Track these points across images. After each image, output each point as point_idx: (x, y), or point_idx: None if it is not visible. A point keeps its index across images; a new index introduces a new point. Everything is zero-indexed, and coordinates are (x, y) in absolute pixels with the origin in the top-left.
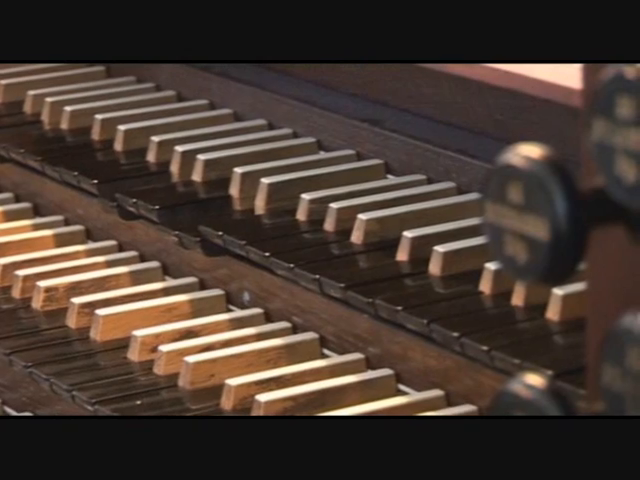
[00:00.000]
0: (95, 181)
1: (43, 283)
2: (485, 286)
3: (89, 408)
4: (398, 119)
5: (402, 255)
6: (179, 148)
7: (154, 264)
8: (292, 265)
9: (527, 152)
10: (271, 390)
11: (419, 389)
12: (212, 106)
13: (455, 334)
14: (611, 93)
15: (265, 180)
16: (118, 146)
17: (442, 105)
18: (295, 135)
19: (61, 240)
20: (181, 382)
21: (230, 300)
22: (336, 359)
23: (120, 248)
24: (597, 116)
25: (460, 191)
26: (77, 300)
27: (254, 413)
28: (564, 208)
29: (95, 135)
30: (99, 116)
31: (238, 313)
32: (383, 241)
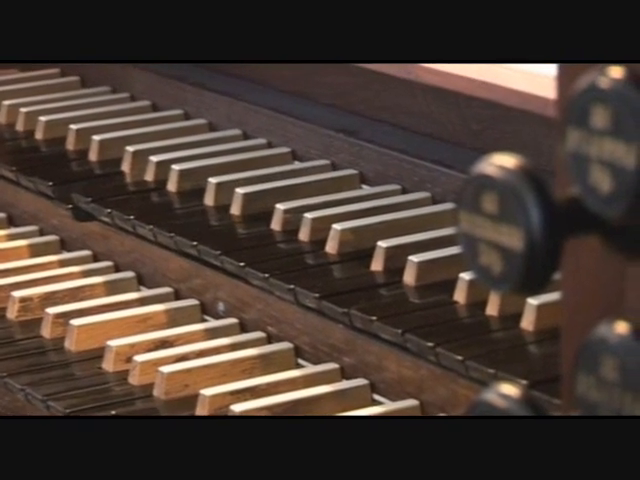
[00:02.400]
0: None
1: (18, 293)
2: (460, 296)
3: None
4: (373, 129)
5: (377, 265)
6: (154, 158)
7: (129, 274)
8: (267, 275)
9: (502, 162)
10: (246, 400)
11: (394, 399)
12: (187, 116)
13: (430, 344)
14: (585, 103)
15: (240, 190)
16: (93, 156)
17: (417, 116)
18: (270, 145)
19: (36, 250)
20: (156, 392)
21: (205, 310)
22: (311, 369)
23: (95, 258)
24: (572, 126)
25: (435, 201)
26: (52, 310)
27: None
28: (539, 218)
29: (70, 145)
30: (74, 126)
31: (213, 323)
32: (358, 251)
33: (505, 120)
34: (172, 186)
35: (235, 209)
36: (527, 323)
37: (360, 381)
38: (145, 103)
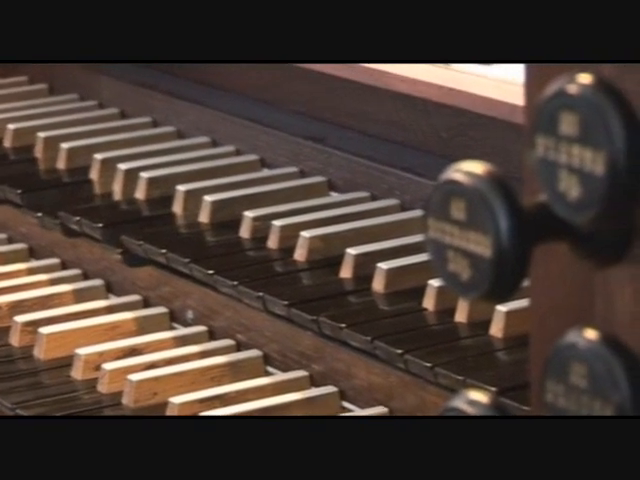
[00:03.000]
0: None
1: None
2: (429, 303)
3: None
4: (341, 137)
5: (346, 272)
6: (122, 166)
7: (97, 282)
8: (236, 283)
9: (470, 169)
10: (215, 408)
11: (363, 406)
12: (155, 124)
13: (399, 351)
14: (554, 109)
15: (208, 198)
16: (61, 164)
17: (386, 123)
18: (238, 152)
19: (4, 258)
20: (125, 400)
21: (174, 318)
22: (280, 376)
23: (63, 266)
24: (540, 132)
25: (404, 208)
26: (20, 318)
27: None
28: (507, 224)
29: (38, 153)
30: (42, 134)
31: (182, 331)
32: (327, 258)
33: (473, 127)
34: (140, 194)
35: (204, 217)
36: (496, 330)
37: (329, 388)
38: (113, 111)
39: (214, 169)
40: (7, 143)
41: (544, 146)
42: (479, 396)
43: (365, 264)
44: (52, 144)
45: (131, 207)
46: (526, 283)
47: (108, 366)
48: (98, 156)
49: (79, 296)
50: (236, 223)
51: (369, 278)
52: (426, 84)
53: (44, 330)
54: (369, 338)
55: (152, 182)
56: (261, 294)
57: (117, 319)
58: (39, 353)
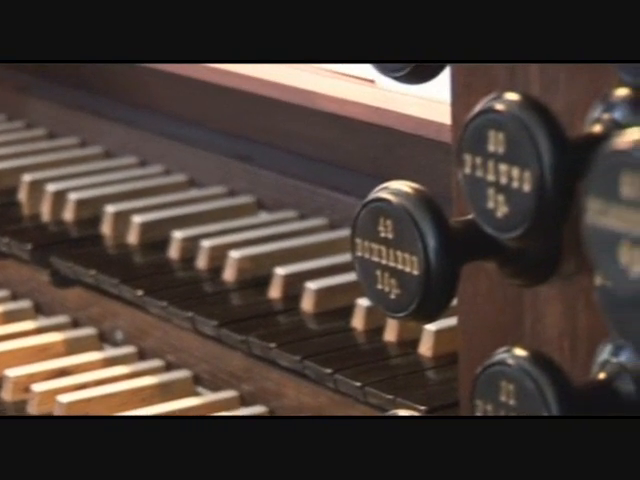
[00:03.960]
0: None
1: None
2: (358, 322)
3: None
4: (270, 156)
5: (275, 292)
6: (50, 187)
7: (26, 303)
8: (165, 303)
9: (397, 188)
10: None
11: None
12: (83, 144)
13: (328, 370)
14: (480, 128)
15: (137, 218)
16: None
17: (315, 142)
18: (166, 172)
19: None
20: None
21: (103, 338)
22: (210, 397)
23: None
24: (467, 151)
25: (333, 227)
26: None
27: None
28: (435, 243)
29: None
30: None
31: (111, 351)
32: (256, 278)
33: (401, 146)
34: (69, 215)
35: (133, 237)
36: (425, 349)
37: (259, 408)
38: (41, 131)
39: (142, 189)
40: None
41: (472, 164)
42: (409, 415)
43: (294, 284)
44: None
45: (60, 228)
46: (455, 301)
47: (38, 387)
48: (26, 177)
49: (8, 317)
50: (165, 243)
51: (298, 298)
52: (354, 103)
53: None
54: (298, 358)
55: (81, 203)
56: (191, 314)
57: (46, 340)
58: None
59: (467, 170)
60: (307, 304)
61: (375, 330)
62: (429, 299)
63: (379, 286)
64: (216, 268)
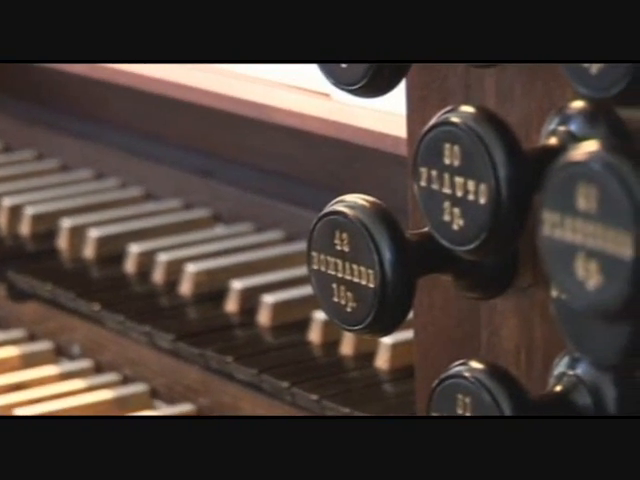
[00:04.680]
0: None
1: None
2: (314, 335)
3: None
4: (227, 169)
5: (231, 306)
6: (7, 201)
7: None
8: (122, 317)
9: (353, 201)
10: None
11: None
12: (39, 157)
13: (285, 384)
14: (436, 141)
15: (93, 232)
16: None
17: (272, 155)
18: (123, 186)
19: None
20: None
21: (60, 352)
22: (166, 410)
23: None
24: (423, 164)
25: (289, 240)
26: None
27: None
28: (391, 256)
29: None
30: None
31: (68, 365)
32: (212, 292)
33: (358, 160)
34: (25, 229)
35: (89, 251)
36: (382, 362)
37: None
38: None
39: (99, 203)
40: None
41: (427, 177)
42: None
43: (250, 297)
44: None
45: (16, 242)
46: (411, 315)
47: None
48: None
49: None
50: (121, 257)
51: (255, 311)
52: (311, 118)
53: None
54: (255, 371)
55: (37, 217)
56: (147, 328)
57: (2, 355)
58: None
59: (423, 183)
60: (263, 318)
61: (332, 343)
62: (385, 312)
63: (335, 299)
64: (172, 282)
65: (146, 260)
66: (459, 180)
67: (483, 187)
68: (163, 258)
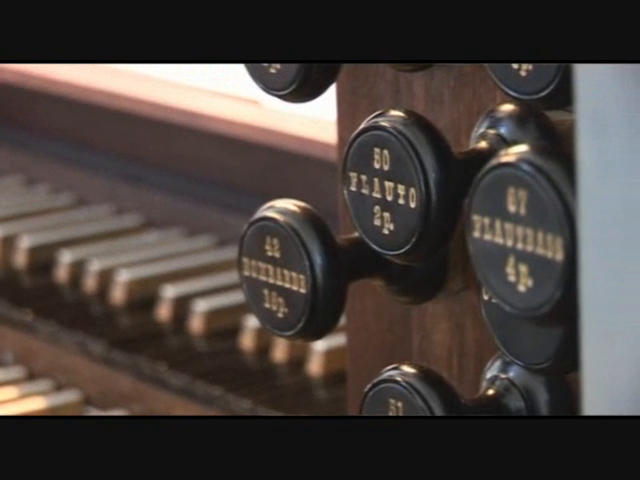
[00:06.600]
0: None
1: None
2: (247, 342)
3: None
4: (159, 176)
5: (163, 313)
6: None
7: None
8: (54, 325)
9: (283, 206)
10: None
11: None
12: None
13: (218, 391)
14: (365, 145)
15: (24, 241)
16: None
17: (203, 162)
18: (55, 192)
19: None
20: None
21: None
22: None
23: None
24: (353, 169)
25: (221, 246)
26: None
27: None
28: (321, 262)
29: None
30: None
31: (0, 374)
32: (144, 299)
33: (288, 165)
34: None
35: (20, 259)
36: (315, 367)
37: None
38: None
39: (30, 211)
40: None
41: (357, 182)
42: None
43: (182, 304)
44: None
45: None
46: (343, 320)
47: None
48: None
49: None
50: (53, 266)
51: (187, 318)
52: (241, 124)
53: None
54: (189, 378)
55: None
56: (80, 336)
57: None
58: None
59: (353, 188)
60: (196, 325)
61: (264, 350)
62: (316, 317)
63: (267, 305)
64: (104, 290)
65: (77, 269)
66: (389, 184)
67: (413, 191)
68: (95, 267)
